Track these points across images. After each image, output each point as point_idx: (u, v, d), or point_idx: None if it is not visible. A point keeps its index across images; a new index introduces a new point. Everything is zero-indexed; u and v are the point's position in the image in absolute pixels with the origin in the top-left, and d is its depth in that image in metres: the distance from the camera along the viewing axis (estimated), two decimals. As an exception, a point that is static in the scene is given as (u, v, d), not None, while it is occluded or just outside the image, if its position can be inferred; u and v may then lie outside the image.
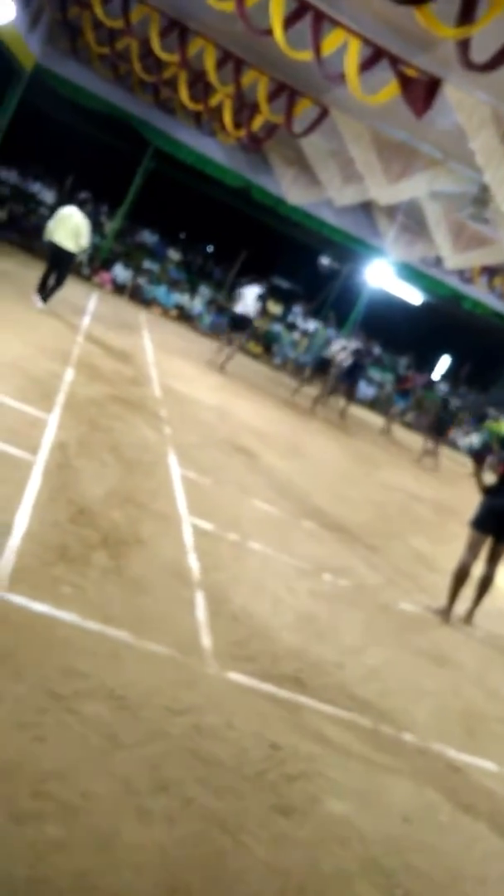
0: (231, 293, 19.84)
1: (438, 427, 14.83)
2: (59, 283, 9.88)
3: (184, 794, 2.49)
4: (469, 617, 5.67)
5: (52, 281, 9.83)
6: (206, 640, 3.51)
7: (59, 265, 9.87)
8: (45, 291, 9.74)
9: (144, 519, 4.58)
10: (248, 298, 12.55)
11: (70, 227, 9.74)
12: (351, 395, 15.21)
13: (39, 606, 3.10)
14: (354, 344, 16.20)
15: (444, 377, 24.33)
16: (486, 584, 5.65)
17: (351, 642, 4.34)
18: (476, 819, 3.22)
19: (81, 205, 10.23)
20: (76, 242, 9.82)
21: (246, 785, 2.68)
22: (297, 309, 20.56)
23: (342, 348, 14.50)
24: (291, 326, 19.32)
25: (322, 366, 14.38)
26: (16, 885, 1.90)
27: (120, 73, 13.35)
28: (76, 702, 2.65)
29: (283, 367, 18.42)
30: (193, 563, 4.31)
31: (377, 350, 19.30)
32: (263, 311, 16.33)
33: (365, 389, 19.35)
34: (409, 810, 3.03)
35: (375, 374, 20.56)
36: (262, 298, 13.02)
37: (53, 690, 2.65)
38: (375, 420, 17.11)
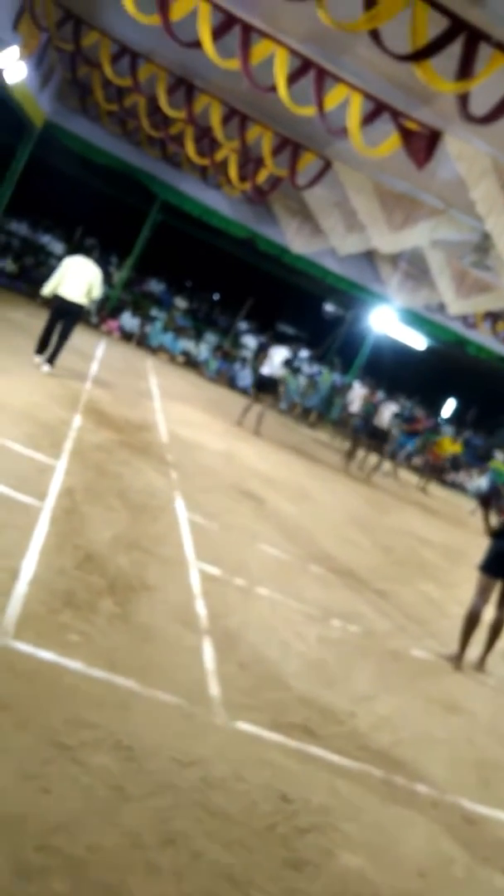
0: (237, 339, 20.13)
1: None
2: (64, 339, 8.88)
3: (192, 847, 2.42)
4: (481, 663, 5.58)
5: (54, 338, 8.83)
6: (214, 689, 3.46)
7: (65, 320, 8.86)
8: (46, 351, 8.78)
9: (151, 564, 4.56)
10: (276, 360, 12.43)
11: (84, 279, 8.80)
12: (381, 450, 14.15)
13: (46, 654, 3.07)
14: (362, 390, 16.27)
15: (450, 420, 24.39)
16: (497, 628, 5.57)
17: (361, 690, 4.27)
18: (493, 873, 3.12)
19: (88, 252, 9.48)
20: (88, 295, 8.91)
21: (256, 839, 2.61)
22: (304, 354, 20.77)
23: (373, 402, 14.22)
24: (297, 370, 19.49)
25: (375, 434, 13.78)
26: (20, 944, 1.84)
27: (128, 129, 13.76)
28: (83, 752, 2.60)
29: (289, 411, 18.52)
30: (201, 609, 4.27)
31: (381, 395, 19.43)
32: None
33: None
34: (425, 864, 2.94)
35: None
36: (288, 363, 12.92)
37: (59, 741, 2.61)
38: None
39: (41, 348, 8.79)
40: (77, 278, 8.80)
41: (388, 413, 13.54)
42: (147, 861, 2.28)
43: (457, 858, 3.08)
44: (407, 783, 3.48)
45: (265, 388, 12.59)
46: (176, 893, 2.21)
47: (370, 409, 15.43)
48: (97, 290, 8.97)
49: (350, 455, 14.39)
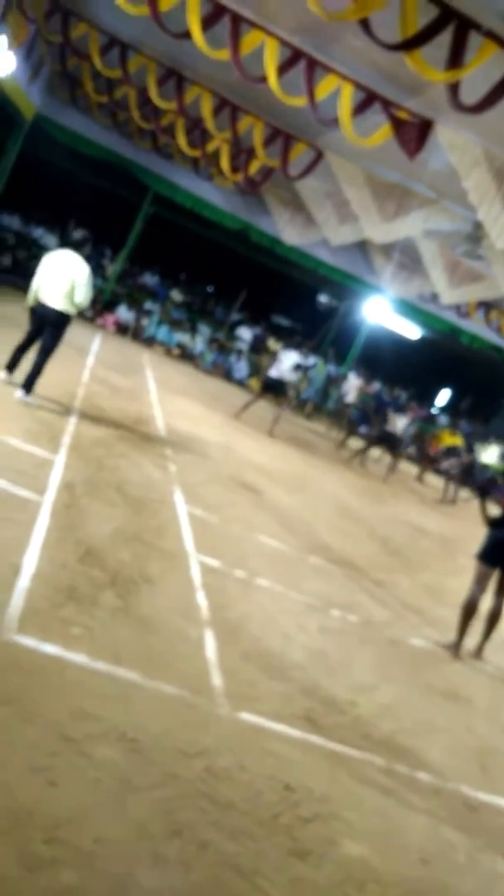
0: (232, 332, 20.09)
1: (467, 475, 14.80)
2: (45, 356, 6.83)
3: (198, 838, 2.45)
4: (479, 651, 5.62)
5: (36, 355, 6.84)
6: (216, 680, 3.49)
7: (45, 332, 6.88)
8: (15, 368, 6.93)
9: (152, 557, 4.58)
10: (285, 364, 12.33)
11: (65, 277, 6.77)
12: (393, 452, 13.97)
13: (49, 648, 3.09)
14: (357, 381, 16.25)
15: (445, 410, 24.41)
16: (495, 617, 5.61)
17: (362, 679, 4.31)
18: (494, 858, 3.16)
19: (78, 247, 7.76)
20: (70, 300, 6.80)
21: (260, 828, 2.64)
22: (294, 345, 20.70)
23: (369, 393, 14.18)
24: (306, 371, 19.38)
25: (385, 438, 13.73)
26: (31, 935, 1.87)
27: (119, 121, 13.69)
28: (88, 745, 2.63)
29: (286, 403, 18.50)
30: (202, 601, 4.30)
31: (376, 386, 19.39)
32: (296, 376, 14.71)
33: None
34: (427, 851, 2.98)
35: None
36: (298, 368, 12.74)
37: (65, 734, 2.63)
38: (375, 453, 17.13)
39: (12, 364, 6.95)
40: (56, 277, 6.81)
41: (400, 424, 13.60)
42: (154, 852, 2.31)
43: (458, 845, 3.12)
44: (408, 771, 3.52)
45: (272, 389, 12.55)
46: (183, 884, 2.24)
47: (367, 400, 15.40)
48: (81, 293, 6.81)
49: (343, 444, 14.47)
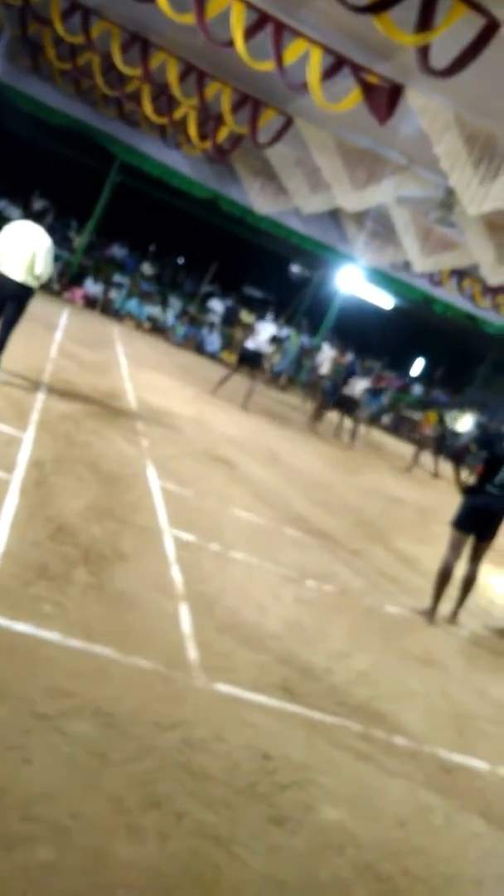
0: (203, 304, 19.91)
1: (440, 445, 14.81)
2: (7, 331, 6.71)
3: (176, 809, 2.45)
4: (454, 617, 5.69)
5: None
6: (192, 653, 3.48)
7: (7, 306, 6.68)
8: None
9: (125, 533, 4.54)
10: (262, 336, 12.23)
11: (25, 249, 6.60)
12: (352, 416, 13.95)
13: (21, 626, 3.06)
14: (331, 352, 16.22)
15: (419, 379, 24.50)
16: (469, 583, 5.67)
17: (338, 647, 4.33)
18: (470, 819, 3.21)
19: (38, 217, 7.58)
20: (30, 272, 6.63)
21: (238, 797, 2.65)
22: (270, 317, 20.59)
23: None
24: (281, 342, 19.23)
25: (344, 402, 13.69)
26: (7, 913, 1.86)
27: (83, 89, 13.35)
28: (62, 721, 2.61)
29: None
30: (176, 575, 4.28)
31: (350, 356, 19.37)
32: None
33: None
34: (404, 814, 3.02)
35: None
36: (275, 340, 12.63)
37: (38, 711, 2.61)
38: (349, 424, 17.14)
39: None
40: (16, 248, 6.61)
41: (358, 388, 13.56)
42: (131, 824, 2.30)
43: (435, 807, 3.17)
44: (385, 736, 3.56)
45: (248, 361, 12.45)
46: (160, 855, 2.24)
47: (340, 371, 15.37)
48: (42, 265, 6.63)
49: (316, 416, 14.47)
